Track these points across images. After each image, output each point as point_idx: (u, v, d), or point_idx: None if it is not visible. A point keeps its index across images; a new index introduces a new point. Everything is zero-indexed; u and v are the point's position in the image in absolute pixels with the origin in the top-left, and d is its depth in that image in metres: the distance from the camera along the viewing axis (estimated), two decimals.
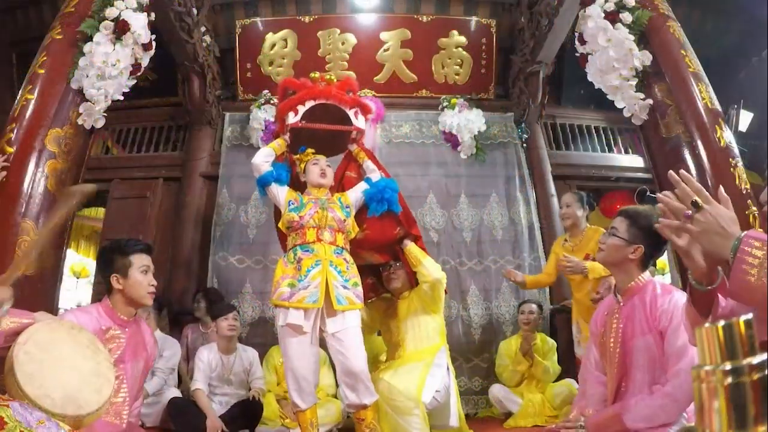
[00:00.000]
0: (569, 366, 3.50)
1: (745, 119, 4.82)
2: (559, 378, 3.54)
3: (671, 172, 0.96)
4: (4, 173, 2.53)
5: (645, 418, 1.51)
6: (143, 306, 2.02)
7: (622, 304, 1.72)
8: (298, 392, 2.42)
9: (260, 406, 3.07)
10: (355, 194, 2.80)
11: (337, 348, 2.45)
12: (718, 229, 0.89)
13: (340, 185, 2.94)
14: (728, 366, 0.57)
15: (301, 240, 2.53)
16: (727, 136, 2.74)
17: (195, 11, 4.24)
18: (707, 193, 0.92)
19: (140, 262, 1.97)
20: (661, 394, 1.51)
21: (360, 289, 2.58)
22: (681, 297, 1.61)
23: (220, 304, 3.40)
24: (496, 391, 3.54)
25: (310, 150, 2.81)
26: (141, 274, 1.95)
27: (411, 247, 2.83)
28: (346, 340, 2.44)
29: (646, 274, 1.71)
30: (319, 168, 2.70)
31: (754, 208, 2.53)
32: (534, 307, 3.70)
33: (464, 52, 4.95)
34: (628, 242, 1.67)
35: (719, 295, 1.06)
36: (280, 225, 2.70)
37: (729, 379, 0.56)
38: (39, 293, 2.55)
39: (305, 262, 2.47)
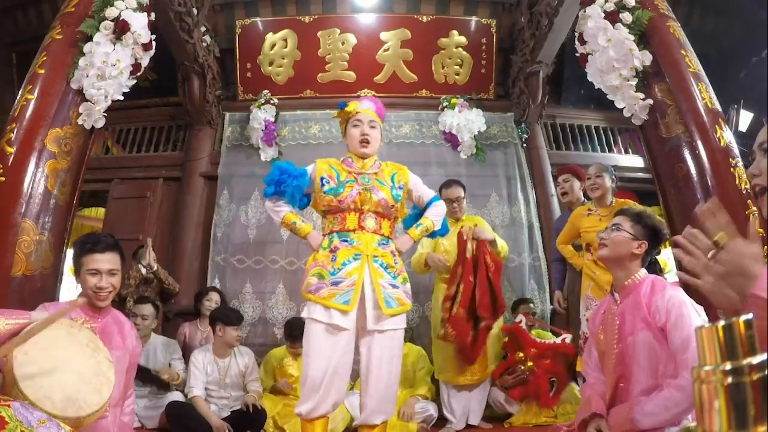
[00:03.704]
0: None
1: (745, 119, 4.83)
2: None
3: (698, 208, 0.95)
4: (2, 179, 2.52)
5: (664, 409, 1.47)
6: (99, 307, 1.92)
7: (619, 302, 1.74)
8: (311, 395, 2.05)
9: (263, 413, 3.05)
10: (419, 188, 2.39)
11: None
12: (739, 270, 0.86)
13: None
14: (728, 366, 0.57)
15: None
16: (727, 136, 2.74)
17: (195, 11, 4.24)
18: (734, 227, 0.90)
19: (90, 264, 1.88)
20: (674, 386, 1.48)
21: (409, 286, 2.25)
22: (676, 292, 1.63)
23: (232, 314, 3.29)
24: (495, 391, 3.53)
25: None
26: (89, 276, 1.88)
27: None
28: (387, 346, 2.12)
29: (643, 272, 1.74)
30: (359, 131, 2.24)
31: (755, 208, 2.53)
32: (531, 305, 3.81)
33: (464, 52, 4.94)
34: (634, 237, 1.73)
35: None
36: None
37: (729, 379, 0.57)
38: (39, 293, 2.55)
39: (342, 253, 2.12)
